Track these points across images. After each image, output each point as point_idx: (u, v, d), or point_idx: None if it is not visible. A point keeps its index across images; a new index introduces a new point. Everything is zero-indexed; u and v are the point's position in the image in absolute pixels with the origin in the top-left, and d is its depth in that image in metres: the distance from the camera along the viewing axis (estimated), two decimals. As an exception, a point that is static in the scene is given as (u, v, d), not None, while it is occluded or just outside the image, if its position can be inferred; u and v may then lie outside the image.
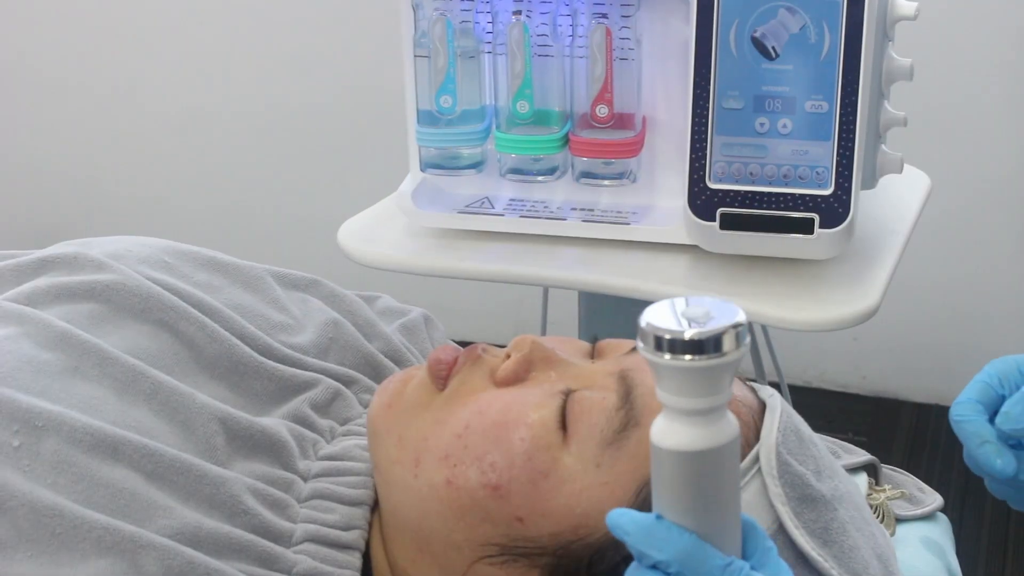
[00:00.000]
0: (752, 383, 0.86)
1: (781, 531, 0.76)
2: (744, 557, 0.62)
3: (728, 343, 0.56)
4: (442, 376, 0.83)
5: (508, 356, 0.83)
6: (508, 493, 0.77)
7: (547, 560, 0.77)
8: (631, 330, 0.95)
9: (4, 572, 0.71)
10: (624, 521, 0.62)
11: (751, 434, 0.79)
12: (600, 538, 0.77)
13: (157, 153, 2.47)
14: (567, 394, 0.80)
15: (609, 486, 0.77)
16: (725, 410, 0.59)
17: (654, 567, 0.61)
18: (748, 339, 0.58)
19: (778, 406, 0.82)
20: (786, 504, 0.77)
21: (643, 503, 0.76)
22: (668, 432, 0.59)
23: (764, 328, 1.49)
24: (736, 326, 0.57)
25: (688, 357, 0.56)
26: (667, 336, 0.57)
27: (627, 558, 0.74)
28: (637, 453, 0.77)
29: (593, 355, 0.87)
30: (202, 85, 2.39)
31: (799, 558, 0.76)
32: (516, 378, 0.82)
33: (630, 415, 0.78)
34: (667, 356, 0.57)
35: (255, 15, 2.30)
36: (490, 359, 0.84)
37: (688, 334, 0.56)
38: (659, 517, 0.61)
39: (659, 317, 0.58)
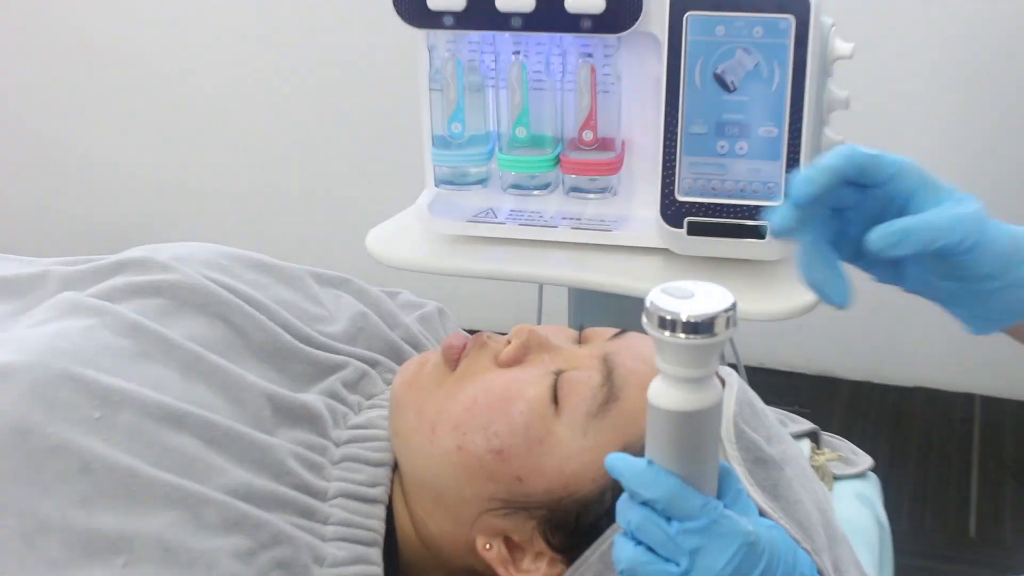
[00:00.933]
0: (713, 364, 0.87)
1: None
2: (719, 497, 0.63)
3: (719, 325, 0.58)
4: (453, 359, 0.83)
5: (509, 342, 0.83)
6: (509, 457, 0.77)
7: (542, 513, 0.78)
8: (612, 320, 0.96)
9: (87, 523, 0.72)
10: (620, 465, 0.63)
11: None
12: (586, 495, 0.77)
13: (214, 168, 2.47)
14: (558, 374, 0.80)
15: (593, 451, 0.77)
16: (713, 378, 0.61)
17: (644, 504, 0.62)
18: (737, 321, 0.59)
19: (735, 383, 0.83)
20: (742, 465, 0.77)
21: None
22: (664, 394, 0.60)
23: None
24: (727, 311, 0.58)
25: (684, 336, 0.58)
26: (668, 317, 0.58)
27: (608, 512, 0.74)
28: (617, 423, 0.78)
29: (580, 341, 0.87)
30: (256, 115, 2.40)
31: None
32: (515, 360, 0.82)
33: (611, 391, 0.79)
34: (667, 333, 0.58)
35: (309, 62, 2.31)
36: (494, 344, 0.84)
37: (686, 316, 0.57)
38: (650, 462, 0.62)
39: (663, 299, 0.59)
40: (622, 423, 0.78)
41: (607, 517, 0.76)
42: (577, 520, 0.77)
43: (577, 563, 0.77)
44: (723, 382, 0.82)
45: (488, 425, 0.78)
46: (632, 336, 0.84)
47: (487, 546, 0.79)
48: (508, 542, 0.79)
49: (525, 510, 0.78)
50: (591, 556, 0.77)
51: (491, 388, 0.80)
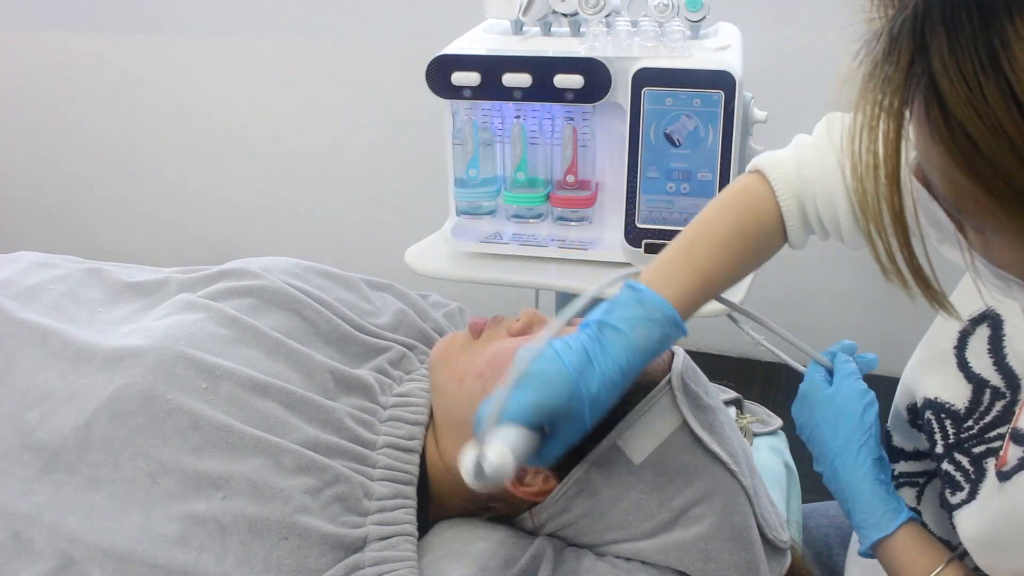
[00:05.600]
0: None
1: (685, 424, 0.76)
2: None
3: None
4: (477, 331, 0.83)
5: (518, 320, 0.84)
6: None
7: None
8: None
9: (196, 466, 0.71)
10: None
11: (667, 367, 0.80)
12: None
13: (290, 202, 2.47)
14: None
15: None
16: None
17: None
18: None
19: (681, 353, 0.83)
20: (687, 408, 0.77)
21: None
22: None
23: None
24: None
25: None
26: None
27: (591, 438, 0.74)
28: None
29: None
30: (323, 161, 2.40)
31: (696, 441, 0.76)
32: (523, 331, 0.82)
33: None
34: None
35: (363, 124, 2.31)
36: (507, 322, 0.84)
37: None
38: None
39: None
40: None
41: (590, 442, 0.76)
42: None
43: (567, 477, 0.77)
44: (673, 353, 0.82)
45: (504, 371, 0.77)
46: None
47: None
48: None
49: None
50: (577, 472, 0.77)
51: (507, 347, 0.80)
